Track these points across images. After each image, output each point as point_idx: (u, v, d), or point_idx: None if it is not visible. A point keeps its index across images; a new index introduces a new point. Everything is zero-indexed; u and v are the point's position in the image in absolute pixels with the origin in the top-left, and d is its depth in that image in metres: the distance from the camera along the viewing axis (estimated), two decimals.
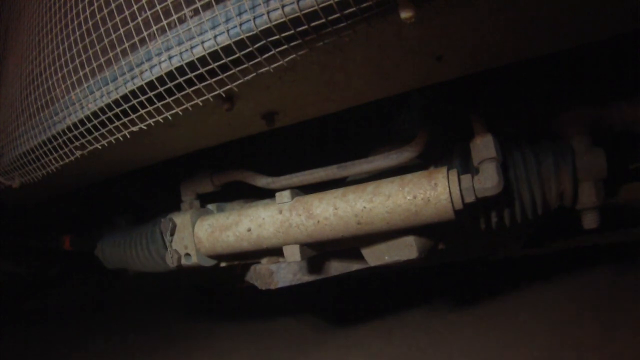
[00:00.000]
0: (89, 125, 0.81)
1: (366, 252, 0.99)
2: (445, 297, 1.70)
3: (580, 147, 0.92)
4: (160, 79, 0.69)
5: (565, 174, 0.92)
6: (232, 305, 2.26)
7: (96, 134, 0.82)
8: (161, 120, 0.75)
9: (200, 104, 0.70)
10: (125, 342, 1.99)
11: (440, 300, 1.66)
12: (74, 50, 0.77)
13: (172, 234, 1.14)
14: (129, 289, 2.74)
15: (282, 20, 0.58)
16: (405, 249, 0.94)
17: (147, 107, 0.73)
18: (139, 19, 0.67)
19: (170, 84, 0.69)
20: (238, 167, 1.15)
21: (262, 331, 1.66)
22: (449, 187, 0.84)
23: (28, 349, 1.99)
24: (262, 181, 1.10)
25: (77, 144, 0.85)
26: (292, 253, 0.97)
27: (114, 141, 0.81)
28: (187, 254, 1.13)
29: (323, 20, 0.57)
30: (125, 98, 0.74)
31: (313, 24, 0.58)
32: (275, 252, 1.07)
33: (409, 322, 1.45)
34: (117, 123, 0.78)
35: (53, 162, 0.91)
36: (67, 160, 0.89)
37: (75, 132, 0.83)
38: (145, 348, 1.82)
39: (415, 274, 2.08)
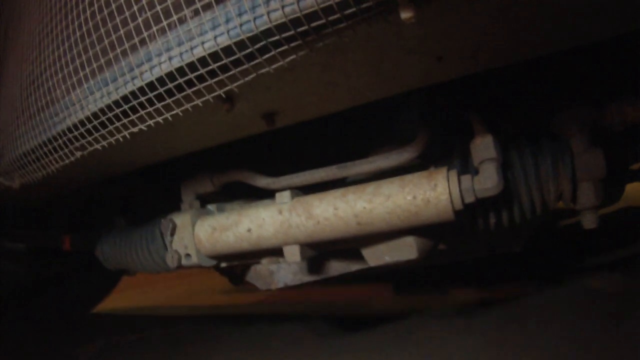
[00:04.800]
0: (89, 126, 0.81)
1: (366, 252, 0.99)
2: (450, 301, 1.69)
3: (578, 147, 0.92)
4: (160, 80, 0.69)
5: (564, 174, 0.92)
6: (237, 309, 2.26)
7: (96, 134, 0.82)
8: (161, 121, 0.75)
9: (201, 104, 0.70)
10: (125, 346, 1.99)
11: (444, 303, 1.66)
12: (74, 51, 0.77)
13: (172, 235, 1.14)
14: (128, 289, 2.74)
15: (282, 20, 0.58)
16: (406, 249, 0.94)
17: (147, 108, 0.73)
18: (139, 19, 0.67)
19: (170, 85, 0.69)
20: (238, 167, 1.15)
21: (267, 336, 1.66)
22: (449, 188, 0.84)
23: (27, 350, 1.99)
24: (262, 181, 1.10)
25: (77, 144, 0.85)
26: (292, 253, 0.97)
27: (114, 142, 0.81)
28: (188, 255, 1.13)
29: (323, 21, 0.57)
30: (125, 99, 0.74)
31: (313, 24, 0.58)
32: (276, 252, 1.07)
33: (415, 327, 1.45)
34: (117, 124, 0.78)
35: (53, 162, 0.91)
36: (67, 161, 0.89)
37: (76, 133, 0.83)
38: (146, 352, 1.82)
39: (419, 277, 2.08)
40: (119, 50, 0.71)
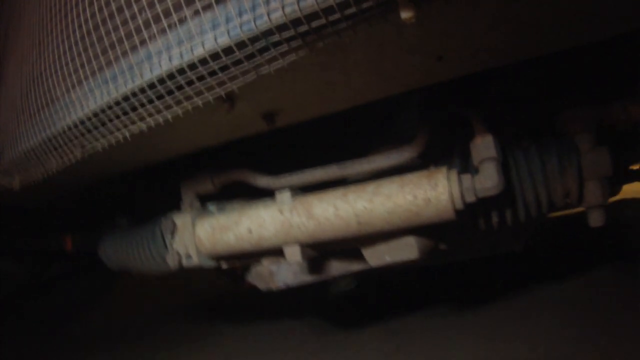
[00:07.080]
0: (89, 125, 0.81)
1: (367, 252, 0.99)
2: (447, 299, 1.69)
3: (584, 145, 0.92)
4: (160, 80, 0.69)
5: (570, 172, 0.92)
6: (237, 307, 2.27)
7: (96, 133, 0.82)
8: (161, 121, 0.75)
9: (201, 104, 0.70)
10: (126, 342, 1.99)
11: (442, 302, 1.66)
12: (75, 51, 0.77)
13: (172, 235, 1.14)
14: (130, 288, 2.75)
15: (282, 21, 0.58)
16: (406, 249, 0.94)
17: (147, 108, 0.73)
18: (140, 19, 0.67)
19: (170, 84, 0.69)
20: (238, 167, 1.15)
21: (266, 333, 1.66)
22: (449, 187, 0.84)
23: (27, 350, 1.99)
24: (263, 181, 1.10)
25: (76, 143, 0.85)
26: (293, 253, 0.97)
27: (114, 141, 0.81)
28: (188, 255, 1.13)
29: (324, 21, 0.57)
30: (125, 98, 0.74)
31: (313, 24, 0.58)
32: (276, 252, 1.07)
33: (411, 324, 1.45)
34: (116, 122, 0.78)
35: (53, 162, 0.91)
36: (67, 160, 0.89)
37: (75, 132, 0.83)
38: (148, 348, 1.82)
39: (417, 275, 2.09)
40: (119, 50, 0.71)
